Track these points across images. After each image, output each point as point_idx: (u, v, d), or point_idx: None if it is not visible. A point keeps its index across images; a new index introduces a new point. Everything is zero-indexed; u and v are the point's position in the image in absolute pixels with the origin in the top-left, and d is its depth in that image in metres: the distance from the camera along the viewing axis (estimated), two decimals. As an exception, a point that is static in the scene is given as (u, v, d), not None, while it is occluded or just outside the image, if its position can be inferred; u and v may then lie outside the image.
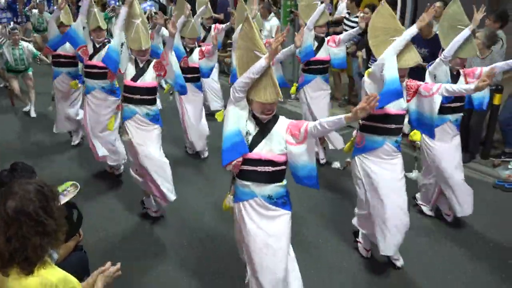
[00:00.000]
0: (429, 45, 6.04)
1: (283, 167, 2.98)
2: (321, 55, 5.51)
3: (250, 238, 2.98)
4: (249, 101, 2.91)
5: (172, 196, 4.37)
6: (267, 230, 2.97)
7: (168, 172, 4.37)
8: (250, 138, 2.91)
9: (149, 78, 4.31)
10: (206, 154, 6.21)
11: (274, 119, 2.95)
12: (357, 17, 7.17)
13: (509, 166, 5.57)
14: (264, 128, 2.92)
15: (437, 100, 3.64)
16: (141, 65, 4.31)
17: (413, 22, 8.48)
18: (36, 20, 10.72)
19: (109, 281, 2.29)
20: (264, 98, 2.81)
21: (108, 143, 5.33)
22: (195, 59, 5.75)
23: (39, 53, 7.66)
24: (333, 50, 5.51)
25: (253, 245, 2.97)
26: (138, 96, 4.30)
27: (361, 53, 7.02)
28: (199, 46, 5.90)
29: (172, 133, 6.40)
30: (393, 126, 3.63)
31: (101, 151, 5.30)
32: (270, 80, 2.79)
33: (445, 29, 4.15)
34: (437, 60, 4.13)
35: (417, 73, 6.20)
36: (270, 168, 2.92)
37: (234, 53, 4.57)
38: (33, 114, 7.76)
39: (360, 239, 4.09)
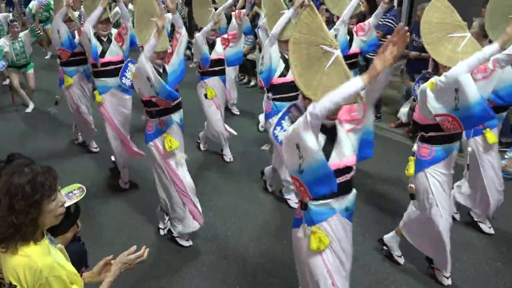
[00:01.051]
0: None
1: (354, 169, 2.71)
2: (353, 48, 5.17)
3: (333, 261, 2.71)
4: (309, 103, 2.50)
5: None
6: (344, 249, 2.74)
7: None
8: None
9: None
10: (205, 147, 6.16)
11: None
12: None
13: (506, 156, 5.58)
14: (331, 134, 2.59)
15: (497, 76, 3.27)
16: (160, 70, 3.86)
17: (409, 20, 8.45)
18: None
19: (128, 268, 2.21)
20: None
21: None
22: (219, 50, 5.52)
23: (33, 26, 7.34)
24: (363, 39, 5.18)
25: (331, 267, 2.70)
26: (173, 103, 3.93)
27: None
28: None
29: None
30: (459, 130, 3.36)
31: (123, 160, 5.15)
32: (344, 78, 2.37)
33: (496, 18, 3.53)
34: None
35: (416, 64, 6.22)
36: (347, 176, 2.64)
37: (265, 48, 4.40)
38: (29, 109, 7.63)
39: (436, 265, 3.76)
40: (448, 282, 3.71)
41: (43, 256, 1.94)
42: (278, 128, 2.82)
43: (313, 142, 2.40)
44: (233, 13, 6.64)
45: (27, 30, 7.42)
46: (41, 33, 7.39)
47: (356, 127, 2.63)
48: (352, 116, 2.61)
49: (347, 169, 2.64)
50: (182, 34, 3.95)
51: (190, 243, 4.20)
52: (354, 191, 2.75)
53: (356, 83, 2.27)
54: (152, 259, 4.03)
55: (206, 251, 4.15)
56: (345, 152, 2.61)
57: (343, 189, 2.64)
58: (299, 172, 2.53)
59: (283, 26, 4.30)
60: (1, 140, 6.42)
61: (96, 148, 6.10)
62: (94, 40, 4.88)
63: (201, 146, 6.20)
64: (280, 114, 2.86)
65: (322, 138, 2.55)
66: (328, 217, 2.67)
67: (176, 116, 4.00)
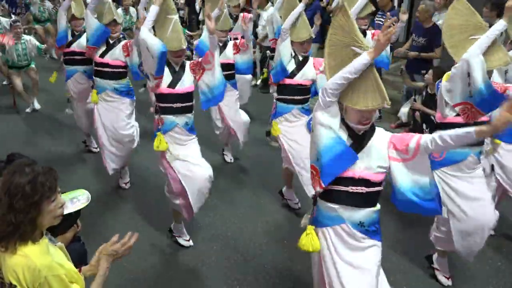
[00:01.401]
0: (427, 34, 6.05)
1: (379, 188, 2.54)
2: None
3: (331, 271, 2.56)
4: (341, 107, 2.48)
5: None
6: (353, 262, 2.54)
7: (205, 195, 3.94)
8: None
9: (187, 82, 3.83)
10: (232, 159, 5.92)
11: (371, 130, 2.52)
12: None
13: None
14: (359, 141, 2.49)
15: None
16: (176, 68, 3.81)
17: (409, 20, 8.44)
18: (37, 9, 10.12)
19: (117, 257, 2.19)
20: (363, 104, 2.38)
21: (124, 151, 4.99)
22: (228, 54, 5.28)
23: (43, 46, 7.27)
24: None
25: (335, 279, 2.54)
26: (178, 104, 3.81)
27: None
28: (230, 39, 5.45)
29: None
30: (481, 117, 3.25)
31: (113, 166, 4.98)
32: (373, 81, 2.35)
33: None
34: None
35: (416, 64, 6.23)
36: (364, 189, 2.49)
37: (277, 44, 4.37)
38: (37, 106, 7.50)
39: (436, 265, 3.77)
40: (448, 282, 3.71)
41: (41, 255, 1.95)
42: None
43: (325, 120, 2.43)
44: (240, 14, 6.55)
45: (33, 38, 7.30)
46: (47, 53, 7.29)
47: (401, 161, 2.47)
48: (402, 147, 2.46)
49: (363, 182, 2.49)
50: (215, 58, 3.78)
51: (190, 243, 4.20)
52: (373, 208, 2.57)
53: (363, 57, 2.33)
54: (152, 259, 4.04)
55: (206, 251, 4.15)
56: (371, 165, 2.48)
57: (354, 201, 2.52)
58: (317, 160, 2.51)
59: (293, 21, 4.23)
60: (1, 140, 6.40)
61: (96, 148, 6.10)
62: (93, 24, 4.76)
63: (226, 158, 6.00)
64: None
65: (347, 141, 2.49)
66: (335, 224, 2.56)
67: (180, 119, 3.85)
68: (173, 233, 4.24)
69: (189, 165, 3.85)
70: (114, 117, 4.92)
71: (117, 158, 5.02)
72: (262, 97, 7.88)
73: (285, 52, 4.32)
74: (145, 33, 3.65)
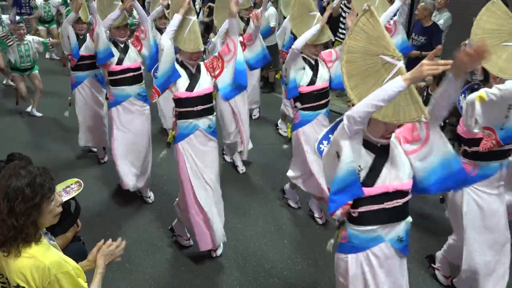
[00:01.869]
0: (426, 33, 6.09)
1: (410, 196, 2.43)
2: None
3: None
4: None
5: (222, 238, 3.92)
6: (394, 283, 2.46)
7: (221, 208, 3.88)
8: (363, 172, 2.33)
9: (205, 84, 3.71)
10: (244, 169, 5.69)
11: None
12: None
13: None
14: (382, 153, 2.36)
15: None
16: (193, 71, 3.71)
17: (409, 19, 8.44)
18: (42, 9, 9.81)
19: (112, 259, 2.29)
20: (394, 117, 2.19)
21: (142, 162, 4.80)
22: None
23: (47, 40, 7.05)
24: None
25: None
26: (199, 107, 3.71)
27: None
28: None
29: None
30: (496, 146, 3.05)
31: (131, 182, 4.72)
32: (406, 93, 2.12)
33: None
34: None
35: (417, 64, 6.21)
36: (399, 201, 2.37)
37: (287, 62, 4.12)
38: (38, 114, 7.39)
39: (437, 264, 3.74)
40: (448, 282, 3.70)
41: (47, 254, 1.98)
42: (325, 142, 2.59)
43: (349, 151, 2.23)
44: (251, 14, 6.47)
45: (38, 38, 7.15)
46: (54, 49, 7.10)
47: (419, 149, 2.35)
48: (414, 136, 2.35)
49: (398, 194, 2.37)
50: (236, 42, 3.66)
51: (190, 243, 4.20)
52: (407, 219, 2.47)
53: (396, 83, 2.04)
54: (152, 259, 4.04)
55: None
56: (400, 175, 2.36)
57: (392, 216, 2.39)
58: (331, 185, 2.39)
59: (307, 39, 4.01)
60: (1, 140, 6.41)
61: (96, 148, 6.09)
62: (106, 41, 4.64)
63: (226, 158, 5.95)
64: (326, 129, 2.65)
65: (369, 157, 2.35)
66: (373, 246, 2.42)
67: (203, 122, 3.76)
68: (173, 233, 4.23)
69: (204, 179, 3.79)
70: (133, 128, 4.76)
71: (136, 172, 4.79)
72: (263, 96, 7.86)
73: (297, 71, 4.14)
74: (165, 42, 3.55)
